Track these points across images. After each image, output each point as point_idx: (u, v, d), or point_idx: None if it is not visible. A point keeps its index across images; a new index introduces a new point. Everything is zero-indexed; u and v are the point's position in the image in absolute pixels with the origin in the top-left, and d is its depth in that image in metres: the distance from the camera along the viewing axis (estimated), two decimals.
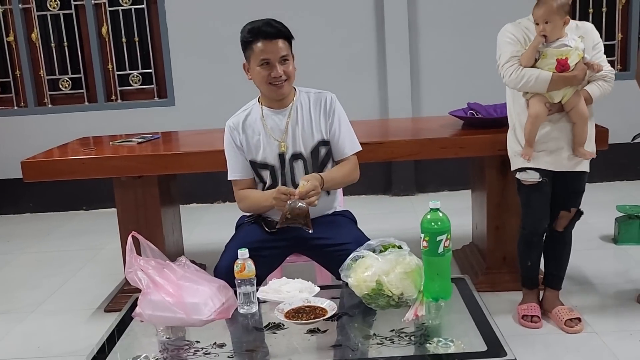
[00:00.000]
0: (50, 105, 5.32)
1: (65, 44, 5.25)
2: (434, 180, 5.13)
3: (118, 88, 5.29)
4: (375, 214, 4.67)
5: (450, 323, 1.91)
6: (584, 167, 2.68)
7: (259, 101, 2.51)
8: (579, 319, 2.79)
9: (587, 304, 3.02)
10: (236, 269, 2.00)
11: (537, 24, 2.52)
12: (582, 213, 2.81)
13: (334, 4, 5.01)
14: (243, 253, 2.02)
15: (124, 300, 3.24)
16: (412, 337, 1.80)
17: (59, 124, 5.18)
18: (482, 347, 1.73)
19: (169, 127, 4.49)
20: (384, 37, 5.00)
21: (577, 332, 2.74)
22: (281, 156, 2.43)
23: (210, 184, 5.07)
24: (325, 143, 2.46)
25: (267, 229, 2.46)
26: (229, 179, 2.52)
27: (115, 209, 3.34)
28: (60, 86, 5.32)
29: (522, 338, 2.72)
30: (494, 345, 1.72)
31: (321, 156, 2.45)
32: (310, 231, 2.27)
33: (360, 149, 2.53)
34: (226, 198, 5.26)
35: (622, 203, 3.97)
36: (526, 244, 2.79)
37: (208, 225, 4.71)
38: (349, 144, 2.48)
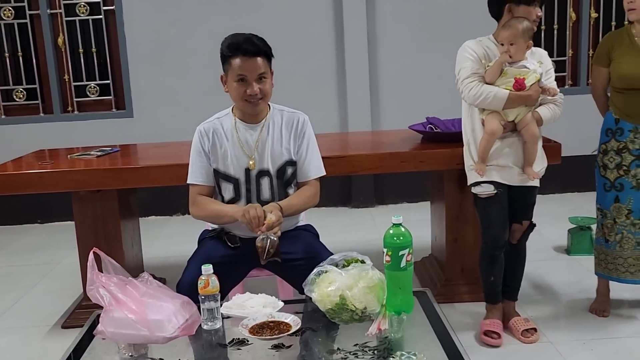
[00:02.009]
0: (3, 117, 5.21)
1: (20, 53, 5.15)
2: (393, 192, 5.20)
3: (75, 99, 5.21)
4: (336, 226, 4.71)
5: (413, 336, 1.94)
6: (535, 182, 2.77)
7: (232, 112, 2.50)
8: (535, 329, 2.88)
9: (542, 314, 3.11)
10: (200, 284, 1.99)
11: (503, 44, 2.60)
12: (534, 225, 2.89)
13: (293, 18, 5.06)
14: (207, 269, 2.01)
15: (82, 317, 3.20)
16: (376, 351, 1.82)
17: (13, 135, 5.07)
18: (443, 359, 1.77)
19: (128, 139, 4.45)
20: (344, 51, 5.07)
21: (533, 342, 2.82)
22: (247, 171, 2.43)
23: (170, 197, 5.01)
24: (292, 163, 2.47)
25: (230, 244, 2.45)
26: (188, 182, 2.50)
27: (71, 223, 3.29)
28: (15, 97, 5.21)
29: (481, 349, 2.79)
30: (455, 358, 1.76)
31: (287, 175, 2.46)
32: (280, 260, 2.27)
33: (324, 173, 2.54)
34: (185, 211, 5.16)
35: (574, 215, 4.10)
36: (489, 260, 2.83)
37: (167, 239, 4.66)
38: (314, 168, 2.50)
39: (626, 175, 2.93)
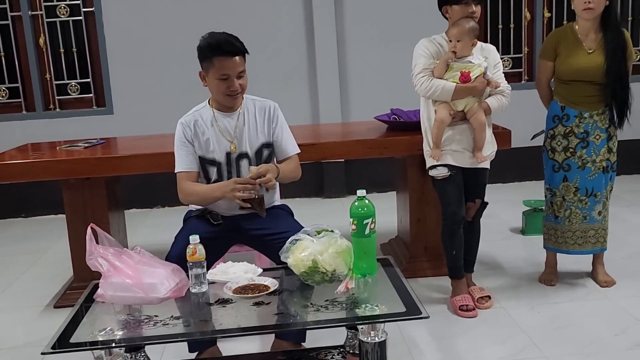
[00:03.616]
0: None
1: (2, 53, 5.32)
2: (363, 182, 5.43)
3: (56, 97, 5.40)
4: (308, 215, 4.92)
5: (376, 293, 2.21)
6: (485, 164, 3.07)
7: (209, 104, 2.75)
8: (489, 297, 3.19)
9: (498, 284, 3.42)
10: (188, 252, 2.23)
11: (451, 41, 2.90)
12: (486, 204, 3.19)
13: (266, 20, 5.29)
14: (194, 239, 2.25)
15: (73, 297, 3.40)
16: (344, 305, 2.09)
17: None
18: (402, 309, 2.05)
19: (108, 135, 4.63)
20: (315, 50, 5.34)
21: (487, 307, 3.13)
22: (228, 154, 2.69)
23: (150, 190, 5.25)
24: (268, 145, 2.75)
25: (213, 222, 2.70)
26: (176, 171, 2.71)
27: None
28: None
29: (440, 314, 3.08)
30: (412, 307, 2.05)
31: (264, 157, 2.73)
32: (263, 215, 2.58)
33: (300, 151, 2.83)
34: (165, 203, 5.45)
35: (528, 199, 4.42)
36: (449, 234, 3.12)
37: (149, 228, 4.87)
38: (291, 146, 2.79)
39: (573, 157, 3.24)
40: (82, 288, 3.35)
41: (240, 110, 2.73)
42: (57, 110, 5.41)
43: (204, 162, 2.71)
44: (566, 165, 3.26)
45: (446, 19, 3.01)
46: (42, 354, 1.89)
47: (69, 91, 5.42)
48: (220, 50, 2.56)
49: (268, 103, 2.79)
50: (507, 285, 3.43)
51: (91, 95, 5.44)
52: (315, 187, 5.58)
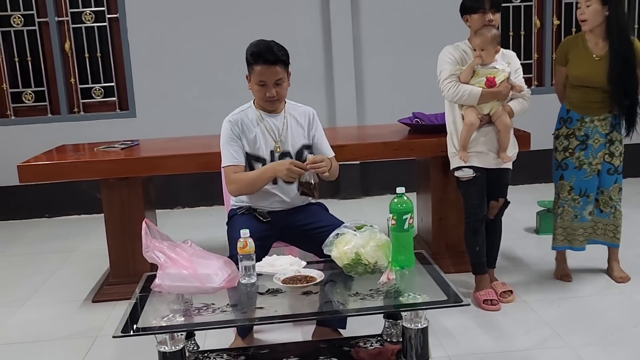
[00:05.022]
0: (13, 117, 5.51)
1: (29, 58, 5.46)
2: (378, 184, 5.63)
3: (81, 101, 5.55)
4: None
5: (416, 283, 2.37)
6: (508, 165, 3.23)
7: (254, 105, 2.91)
8: (511, 291, 3.34)
9: (517, 280, 3.57)
10: (239, 245, 2.37)
11: (475, 50, 3.06)
12: (509, 202, 3.35)
13: (284, 25, 5.43)
14: (245, 232, 2.40)
15: (109, 292, 3.57)
16: (388, 294, 2.24)
17: (22, 135, 5.39)
18: (443, 297, 2.20)
19: (131, 138, 4.77)
20: (331, 54, 5.50)
21: (510, 301, 3.28)
22: (272, 152, 2.86)
23: (170, 191, 5.38)
24: (307, 147, 2.93)
25: (262, 219, 2.84)
26: (224, 165, 2.84)
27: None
28: (24, 99, 5.53)
29: (465, 308, 3.20)
30: (452, 296, 2.20)
31: (304, 157, 2.89)
32: (315, 201, 2.75)
33: (334, 154, 3.03)
34: (185, 204, 5.58)
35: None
36: (472, 232, 3.28)
37: (173, 227, 4.97)
38: (328, 149, 3.00)
39: (571, 157, 3.40)
40: (119, 283, 3.54)
41: (283, 112, 2.90)
42: (81, 113, 5.57)
43: (251, 159, 2.86)
44: (564, 165, 3.42)
45: (468, 26, 3.18)
46: (114, 337, 2.03)
47: (93, 95, 5.58)
48: (261, 59, 2.74)
49: (308, 109, 2.99)
50: (527, 281, 3.58)
51: (114, 98, 5.59)
52: (332, 189, 5.73)
